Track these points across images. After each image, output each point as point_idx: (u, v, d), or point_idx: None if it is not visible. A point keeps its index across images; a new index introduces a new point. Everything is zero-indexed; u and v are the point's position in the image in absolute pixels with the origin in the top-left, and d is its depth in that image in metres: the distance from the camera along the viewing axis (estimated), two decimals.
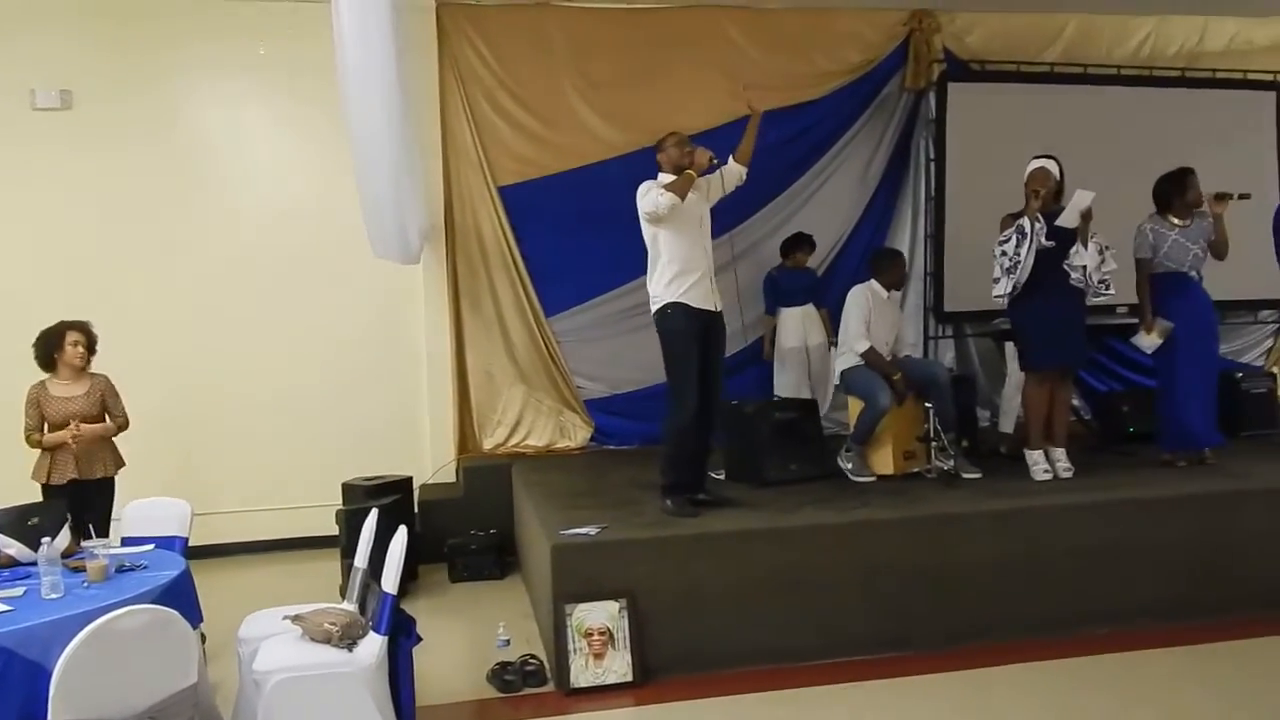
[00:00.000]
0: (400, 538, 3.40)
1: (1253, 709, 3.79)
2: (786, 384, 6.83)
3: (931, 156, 7.32)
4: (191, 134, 6.58)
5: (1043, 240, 5.04)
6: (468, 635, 5.00)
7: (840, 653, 4.33)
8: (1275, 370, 7.84)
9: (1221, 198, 5.44)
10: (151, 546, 3.94)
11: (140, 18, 6.42)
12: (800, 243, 6.91)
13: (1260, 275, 6.81)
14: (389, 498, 5.62)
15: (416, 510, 6.25)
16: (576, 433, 7.04)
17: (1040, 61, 7.54)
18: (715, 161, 4.77)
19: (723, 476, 5.48)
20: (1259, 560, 4.79)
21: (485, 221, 6.89)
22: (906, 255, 7.03)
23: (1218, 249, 5.49)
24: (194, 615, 3.47)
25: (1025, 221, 5.07)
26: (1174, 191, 5.49)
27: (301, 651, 3.33)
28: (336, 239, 6.53)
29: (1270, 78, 7.82)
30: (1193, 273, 5.49)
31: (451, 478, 6.74)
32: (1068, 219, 5.04)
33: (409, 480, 6.18)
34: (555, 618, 4.11)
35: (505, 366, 6.94)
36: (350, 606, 3.70)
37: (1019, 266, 5.09)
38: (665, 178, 4.73)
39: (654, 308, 4.77)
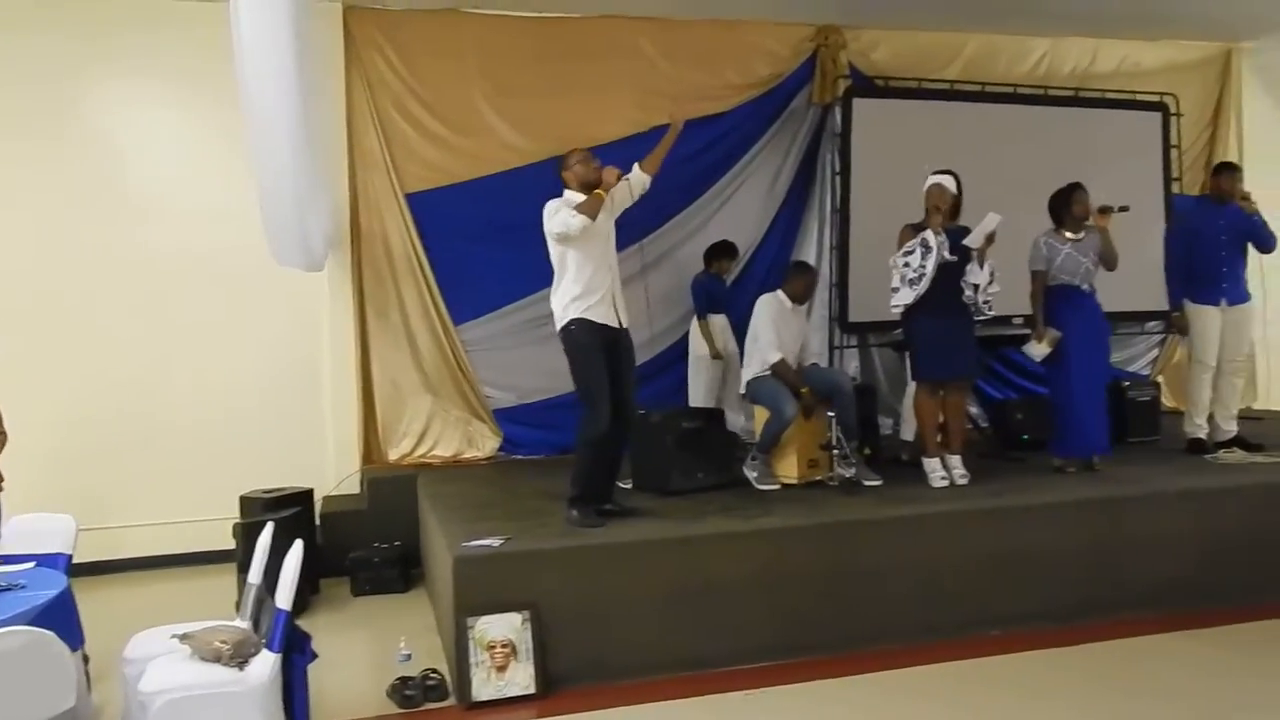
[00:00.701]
0: (296, 552, 3.31)
1: (1145, 700, 3.94)
2: (698, 392, 6.89)
3: (837, 170, 7.46)
4: (86, 132, 6.36)
5: (946, 254, 5.16)
6: (368, 650, 4.92)
7: (745, 659, 4.35)
8: (1160, 379, 8.19)
9: (1104, 211, 5.64)
10: (32, 564, 3.76)
11: (35, 7, 6.17)
12: (727, 250, 6.99)
13: (1146, 288, 7.10)
14: (288, 510, 5.49)
15: (319, 523, 6.12)
16: (485, 443, 6.96)
17: (941, 79, 7.76)
18: (624, 179, 4.78)
19: (630, 486, 5.48)
20: (1145, 562, 4.97)
21: (393, 229, 6.80)
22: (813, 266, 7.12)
23: (1107, 260, 5.69)
24: (74, 636, 3.33)
25: (930, 235, 5.17)
26: (1062, 206, 5.69)
27: (190, 671, 3.21)
28: (238, 245, 6.31)
29: (1157, 99, 8.16)
30: (1084, 285, 5.67)
31: (356, 489, 6.61)
32: (974, 239, 5.16)
33: (310, 492, 6.03)
34: (457, 631, 4.06)
35: (412, 376, 6.84)
36: (243, 623, 3.60)
37: (923, 278, 5.19)
38: (572, 195, 4.72)
39: (558, 325, 4.77)
